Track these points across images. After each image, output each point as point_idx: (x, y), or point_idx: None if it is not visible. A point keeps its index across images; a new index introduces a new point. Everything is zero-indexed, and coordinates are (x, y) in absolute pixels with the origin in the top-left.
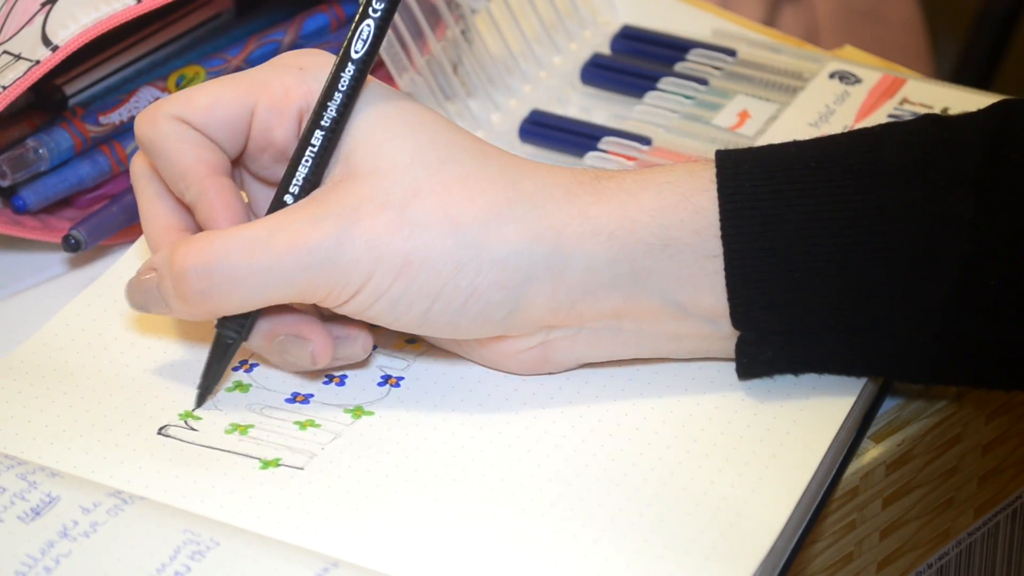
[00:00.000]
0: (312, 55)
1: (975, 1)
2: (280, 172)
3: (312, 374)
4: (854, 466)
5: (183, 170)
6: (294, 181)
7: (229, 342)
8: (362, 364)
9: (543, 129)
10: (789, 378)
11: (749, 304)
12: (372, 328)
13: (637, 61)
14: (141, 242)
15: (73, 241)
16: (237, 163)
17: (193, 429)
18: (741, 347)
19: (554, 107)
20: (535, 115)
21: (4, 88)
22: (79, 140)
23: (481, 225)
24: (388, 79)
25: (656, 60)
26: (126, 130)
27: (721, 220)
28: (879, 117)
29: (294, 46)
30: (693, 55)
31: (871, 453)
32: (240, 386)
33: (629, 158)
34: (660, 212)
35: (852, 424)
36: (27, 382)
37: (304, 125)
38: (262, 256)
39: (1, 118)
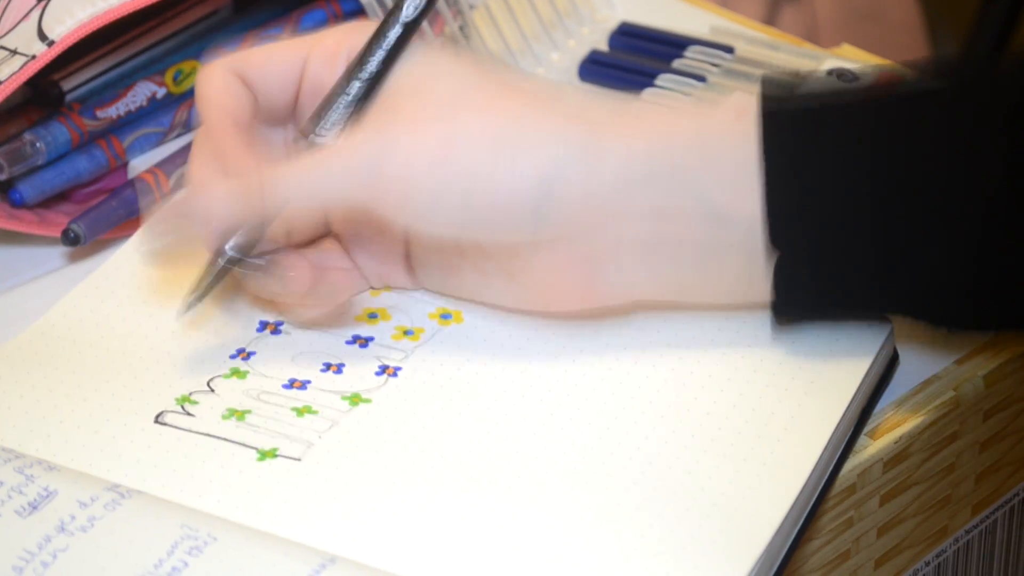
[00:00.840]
0: (365, 23)
1: (975, 1)
2: None
3: (308, 363)
4: (851, 463)
5: (214, 121)
6: (324, 121)
7: (228, 262)
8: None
9: None
10: (786, 376)
11: (787, 218)
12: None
13: (635, 58)
14: (138, 235)
15: (72, 235)
16: (287, 121)
17: (190, 415)
18: (778, 271)
19: None
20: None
21: (0, 83)
22: (76, 134)
23: (518, 117)
24: None
25: (654, 57)
26: (123, 124)
27: (761, 132)
28: None
29: None
30: (691, 52)
31: (868, 450)
32: (237, 373)
33: None
34: (702, 117)
35: (849, 421)
36: (24, 371)
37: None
38: (311, 166)
39: None
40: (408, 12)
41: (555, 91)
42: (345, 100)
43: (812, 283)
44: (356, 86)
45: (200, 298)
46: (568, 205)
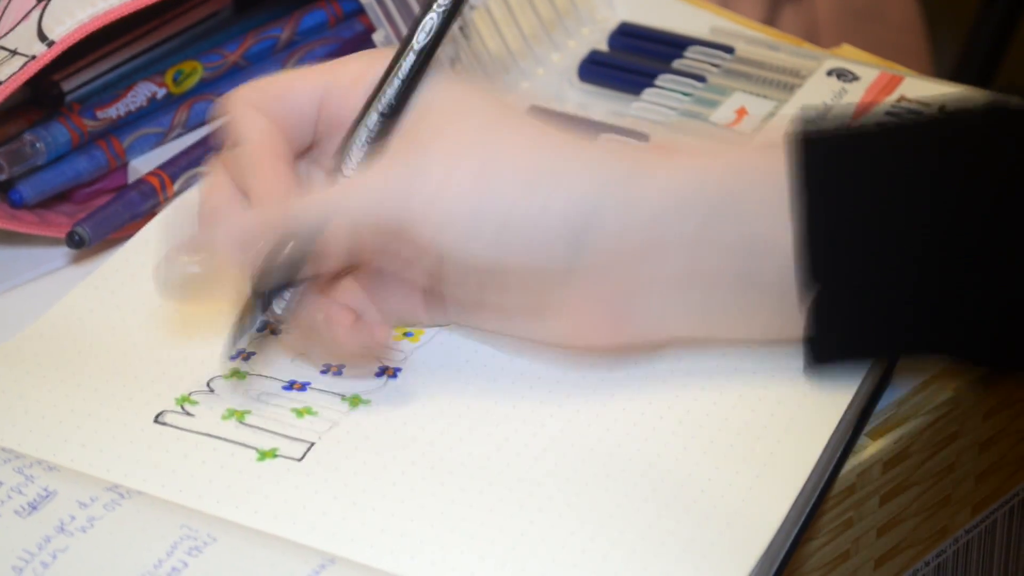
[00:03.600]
0: (382, 51)
1: (975, 1)
2: None
3: (308, 364)
4: (851, 463)
5: (247, 154)
6: (347, 160)
7: (264, 293)
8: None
9: None
10: (787, 376)
11: (825, 249)
12: None
13: (635, 58)
14: (139, 236)
15: (77, 238)
16: (306, 155)
17: (190, 415)
18: (814, 309)
19: (552, 104)
20: (533, 112)
21: (0, 83)
22: (76, 134)
23: (555, 149)
24: None
25: (654, 57)
26: (123, 124)
27: (796, 164)
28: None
29: (291, 42)
30: (691, 52)
31: (868, 450)
32: (237, 374)
33: None
34: (738, 150)
35: (849, 421)
36: (23, 371)
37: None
38: (341, 194)
39: None
40: (420, 39)
41: (585, 136)
42: (366, 133)
43: (851, 317)
44: (375, 118)
45: (240, 338)
46: (606, 236)
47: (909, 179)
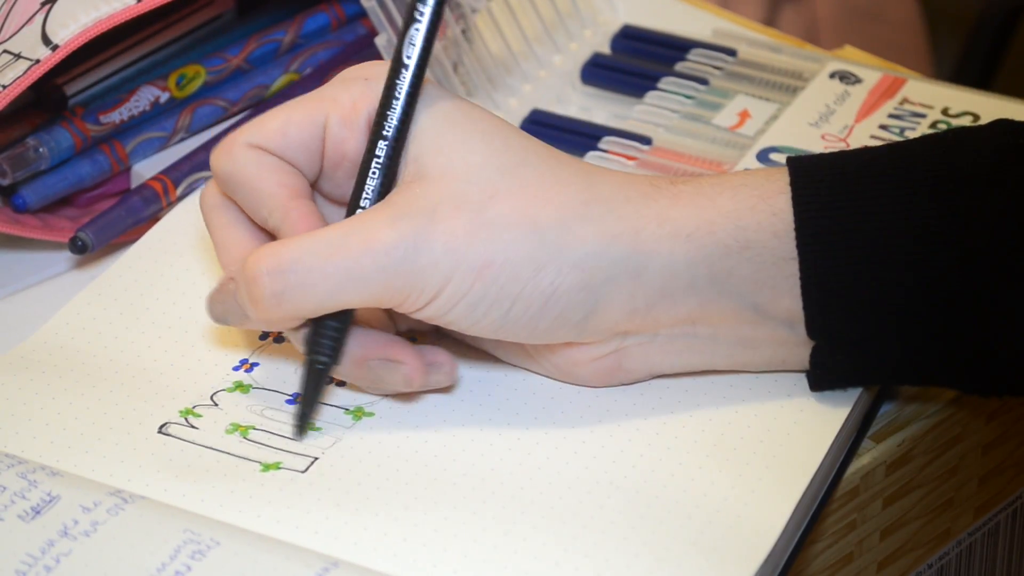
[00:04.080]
0: (375, 66)
1: (975, 1)
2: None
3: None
4: (854, 466)
5: (266, 197)
6: (364, 194)
7: (320, 367)
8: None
9: (543, 129)
10: (789, 380)
11: (826, 313)
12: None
13: (637, 61)
14: (143, 241)
15: (80, 243)
16: (313, 187)
17: (194, 427)
18: (815, 357)
19: (554, 107)
20: (535, 115)
21: (4, 87)
22: (79, 139)
23: (560, 225)
24: None
25: (656, 60)
26: (126, 129)
27: (796, 228)
28: (879, 117)
29: (294, 46)
30: (693, 55)
31: (871, 453)
32: (240, 387)
33: (629, 158)
34: (738, 214)
35: (852, 424)
36: (27, 378)
37: (368, 137)
38: (337, 256)
39: (1, 117)
40: (410, 53)
41: (586, 180)
42: (377, 164)
43: (851, 368)
44: (382, 146)
45: (307, 416)
46: (612, 314)
47: (900, 238)
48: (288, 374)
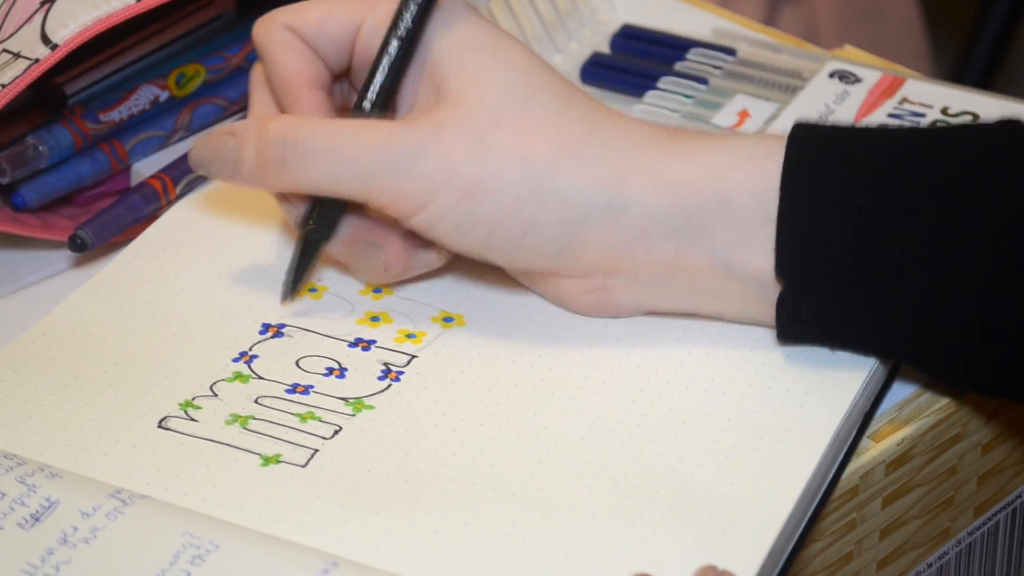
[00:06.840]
0: None
1: (975, 1)
2: None
3: (311, 367)
4: (854, 465)
5: (286, 78)
6: (372, 88)
7: (316, 238)
8: (366, 357)
9: None
10: (788, 379)
11: (793, 256)
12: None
13: (637, 60)
14: (142, 237)
15: (79, 241)
16: (344, 78)
17: (193, 420)
18: (781, 301)
19: None
20: None
21: (3, 86)
22: (79, 138)
23: (550, 162)
24: None
25: (656, 59)
26: (126, 128)
27: (781, 188)
28: (879, 116)
29: None
30: (693, 54)
31: (871, 452)
32: (240, 377)
33: None
34: (724, 171)
35: (852, 423)
36: (26, 374)
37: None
38: (344, 146)
39: (1, 116)
40: None
41: (590, 120)
42: (387, 60)
43: (815, 320)
44: (394, 45)
45: (296, 283)
46: (589, 252)
47: (888, 209)
48: (288, 366)
